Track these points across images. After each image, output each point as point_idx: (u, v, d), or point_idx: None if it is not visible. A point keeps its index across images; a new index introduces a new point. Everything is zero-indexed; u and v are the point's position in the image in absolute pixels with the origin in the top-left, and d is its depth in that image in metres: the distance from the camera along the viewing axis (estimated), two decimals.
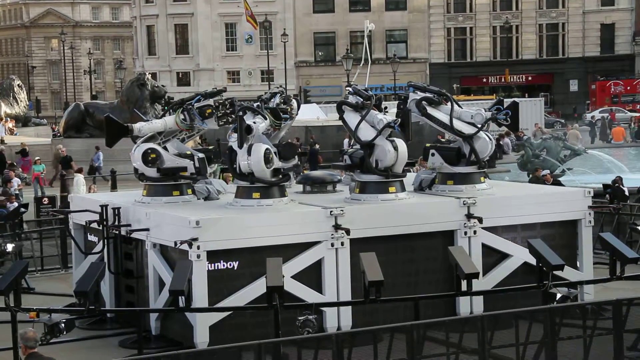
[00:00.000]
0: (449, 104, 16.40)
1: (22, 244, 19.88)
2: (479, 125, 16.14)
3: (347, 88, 16.62)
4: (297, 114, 16.63)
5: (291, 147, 15.45)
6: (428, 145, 16.65)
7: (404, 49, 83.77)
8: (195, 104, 16.11)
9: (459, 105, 16.74)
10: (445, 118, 16.29)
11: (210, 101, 16.16)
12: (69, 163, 34.83)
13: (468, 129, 16.19)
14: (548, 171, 28.09)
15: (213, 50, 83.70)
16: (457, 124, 16.21)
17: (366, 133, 15.47)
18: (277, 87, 17.00)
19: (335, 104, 17.19)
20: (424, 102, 16.39)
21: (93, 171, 37.82)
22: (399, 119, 15.48)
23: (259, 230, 14.15)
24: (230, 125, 16.02)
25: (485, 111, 16.36)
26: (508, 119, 16.25)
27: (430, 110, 16.41)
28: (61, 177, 32.13)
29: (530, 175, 28.20)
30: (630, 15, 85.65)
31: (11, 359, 12.17)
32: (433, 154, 16.33)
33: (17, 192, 29.59)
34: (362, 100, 15.77)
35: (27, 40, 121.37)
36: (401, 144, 15.48)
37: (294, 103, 16.47)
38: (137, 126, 16.11)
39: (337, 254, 14.49)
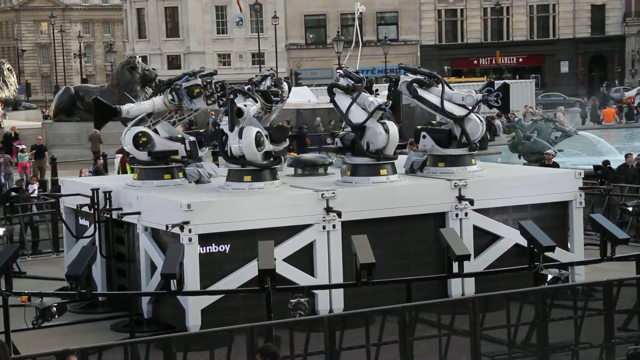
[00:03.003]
0: (440, 86, 16.40)
1: (12, 228, 19.85)
2: (470, 107, 16.14)
3: (338, 71, 16.60)
4: (288, 97, 16.60)
5: (282, 130, 15.43)
6: (419, 127, 16.65)
7: (395, 31, 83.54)
8: (183, 84, 16.05)
9: (450, 87, 16.75)
10: (436, 100, 16.29)
11: (199, 80, 16.09)
12: (43, 152, 34.56)
13: (459, 111, 16.19)
14: (552, 151, 28.08)
15: (204, 33, 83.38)
16: (448, 106, 16.21)
17: (357, 115, 15.45)
18: (268, 70, 16.94)
19: (326, 87, 17.15)
20: (414, 84, 16.38)
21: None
22: (390, 102, 15.46)
23: (250, 214, 14.15)
24: (219, 107, 16.01)
25: (476, 93, 16.35)
26: (499, 100, 16.26)
27: (421, 92, 16.40)
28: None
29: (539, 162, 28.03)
30: None
31: None
32: (424, 136, 16.35)
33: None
34: (352, 82, 15.74)
35: (16, 23, 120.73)
36: (392, 126, 15.47)
37: (285, 86, 16.43)
38: (126, 108, 16.07)
39: (329, 236, 14.51)
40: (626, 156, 26.08)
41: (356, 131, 15.36)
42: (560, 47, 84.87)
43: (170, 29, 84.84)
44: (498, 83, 16.96)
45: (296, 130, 40.42)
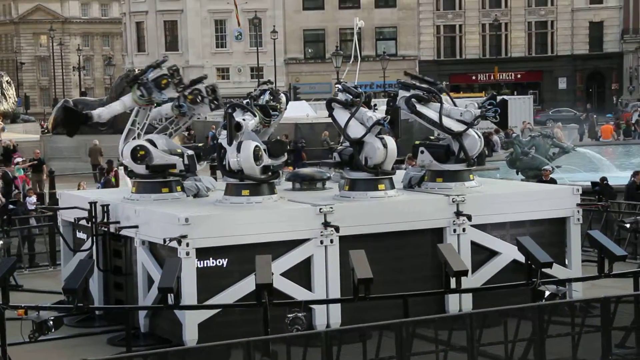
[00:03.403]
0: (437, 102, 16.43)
1: (10, 241, 19.81)
2: (469, 123, 16.16)
3: (336, 85, 16.62)
4: (285, 109, 16.60)
5: (280, 144, 15.44)
6: (417, 142, 16.66)
7: (394, 46, 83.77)
8: (149, 77, 15.98)
9: (453, 100, 16.73)
10: (434, 115, 16.31)
11: (165, 70, 16.03)
12: (41, 166, 34.53)
13: (457, 127, 16.20)
14: (549, 167, 28.08)
15: (202, 47, 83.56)
16: (446, 122, 16.23)
17: (356, 130, 15.46)
18: (267, 84, 16.93)
19: (324, 101, 17.18)
20: (413, 99, 16.39)
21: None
22: (389, 117, 15.48)
23: (248, 228, 14.14)
24: (211, 110, 16.00)
25: (478, 106, 16.35)
26: (497, 116, 16.29)
27: (419, 107, 16.43)
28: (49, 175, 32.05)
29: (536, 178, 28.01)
30: (619, 13, 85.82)
31: None
32: (422, 152, 16.35)
33: None
34: (351, 97, 15.75)
35: (15, 36, 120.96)
36: (390, 141, 15.47)
37: (283, 97, 16.43)
38: (97, 112, 16.07)
39: (327, 251, 14.49)
40: (636, 174, 25.31)
41: (354, 146, 15.37)
42: (558, 64, 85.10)
43: (170, 42, 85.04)
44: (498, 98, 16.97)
45: (293, 144, 40.48)
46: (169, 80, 15.89)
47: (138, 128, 16.08)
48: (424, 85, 16.84)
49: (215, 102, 16.09)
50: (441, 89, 16.81)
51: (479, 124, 16.68)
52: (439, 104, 16.36)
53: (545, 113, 69.17)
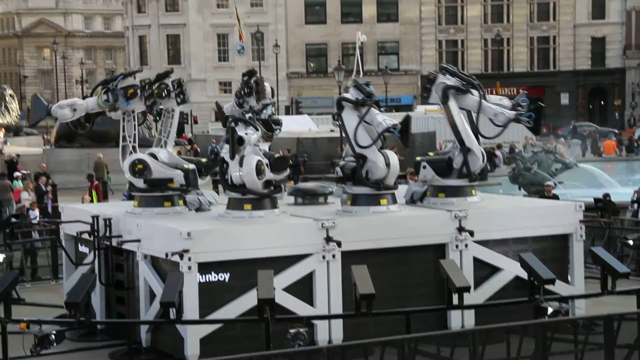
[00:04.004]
0: (476, 93, 15.82)
1: (12, 255, 19.82)
2: (501, 125, 15.67)
3: (352, 78, 16.30)
4: (273, 98, 16.47)
5: (283, 160, 15.42)
6: (419, 158, 16.62)
7: (396, 60, 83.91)
8: (118, 84, 15.97)
9: (486, 97, 16.04)
10: (458, 121, 15.81)
11: (136, 81, 16.05)
12: (47, 179, 34.54)
13: (488, 132, 16.00)
14: (552, 182, 28.03)
15: (205, 61, 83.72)
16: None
17: (365, 139, 15.31)
18: (252, 74, 16.81)
19: (327, 116, 17.17)
20: (452, 90, 15.79)
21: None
22: (400, 126, 15.28)
23: (250, 242, 14.13)
24: (177, 104, 15.97)
25: (511, 103, 15.80)
26: (531, 121, 15.81)
27: (451, 102, 15.79)
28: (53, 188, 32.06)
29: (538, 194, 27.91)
30: (621, 29, 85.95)
31: None
32: (424, 167, 16.31)
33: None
34: (362, 96, 15.41)
35: (19, 49, 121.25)
36: (393, 157, 15.46)
37: (267, 86, 16.26)
38: (56, 105, 16.14)
39: (329, 266, 14.47)
40: None
41: (358, 160, 15.29)
42: (560, 79, 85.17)
43: (172, 56, 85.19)
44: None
45: (294, 159, 40.52)
46: (137, 91, 15.88)
47: (130, 142, 16.14)
48: (464, 76, 16.23)
49: (181, 95, 16.05)
50: (479, 85, 16.15)
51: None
52: (477, 98, 15.76)
53: (567, 127, 69.20)
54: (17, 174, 35.83)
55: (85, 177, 33.85)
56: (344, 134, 16.09)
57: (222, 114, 16.59)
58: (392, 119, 15.50)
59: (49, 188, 32.37)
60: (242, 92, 16.06)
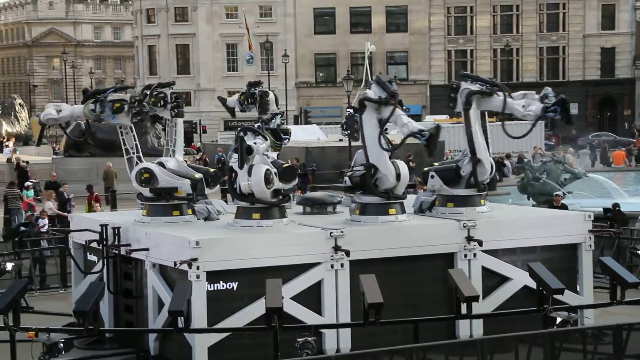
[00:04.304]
0: (501, 95, 15.58)
1: (21, 263, 19.84)
2: (531, 121, 15.40)
3: (376, 74, 16.05)
4: (279, 109, 16.51)
5: (291, 170, 15.41)
6: (426, 169, 16.62)
7: (405, 70, 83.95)
8: (108, 97, 16.07)
9: (511, 96, 15.77)
10: (475, 130, 15.71)
11: (126, 96, 16.13)
12: (57, 189, 34.60)
13: (517, 132, 15.97)
14: (561, 192, 27.99)
15: (214, 71, 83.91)
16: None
17: (386, 142, 15.01)
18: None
19: (335, 125, 17.17)
20: (477, 95, 15.55)
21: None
22: (429, 133, 14.89)
23: (258, 251, 14.13)
24: (171, 116, 16.06)
25: (540, 97, 15.45)
26: (558, 114, 15.36)
27: (473, 107, 15.60)
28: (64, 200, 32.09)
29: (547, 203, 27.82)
30: (631, 40, 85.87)
31: None
32: (432, 176, 16.30)
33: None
34: (386, 95, 15.01)
35: (29, 59, 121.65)
36: (403, 167, 15.45)
37: (272, 96, 16.33)
38: (53, 114, 16.38)
39: (337, 275, 14.46)
40: None
41: (368, 169, 15.25)
42: (570, 89, 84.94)
43: (181, 65, 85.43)
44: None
45: (302, 168, 40.56)
46: (123, 106, 16.00)
47: (134, 153, 16.22)
48: (486, 79, 16.03)
49: (176, 109, 16.12)
50: (503, 86, 15.94)
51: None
52: (502, 98, 15.51)
53: (585, 137, 69.15)
54: (27, 183, 35.90)
55: (93, 186, 33.89)
56: (359, 138, 15.93)
57: (227, 107, 16.72)
58: (417, 124, 15.30)
59: (72, 196, 32.49)
60: (247, 102, 16.16)
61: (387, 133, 15.99)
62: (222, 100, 17.20)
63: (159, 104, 16.06)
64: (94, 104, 16.10)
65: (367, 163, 15.28)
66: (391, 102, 14.95)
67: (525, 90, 16.15)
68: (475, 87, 15.80)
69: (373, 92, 15.24)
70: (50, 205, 29.58)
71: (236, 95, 16.57)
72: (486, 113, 16.19)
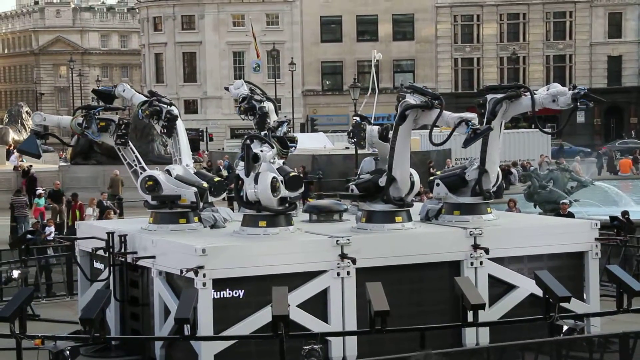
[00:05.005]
0: (528, 94, 15.41)
1: (27, 271, 19.88)
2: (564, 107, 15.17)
3: (408, 83, 15.96)
4: (279, 116, 16.59)
5: (297, 179, 15.42)
6: (431, 178, 16.64)
7: (411, 78, 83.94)
8: (96, 114, 16.19)
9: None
10: (488, 138, 15.63)
11: (114, 117, 16.24)
12: (61, 197, 34.63)
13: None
14: (567, 200, 27.96)
15: (221, 79, 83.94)
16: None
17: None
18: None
19: (342, 133, 17.17)
20: (504, 102, 15.45)
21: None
22: (476, 124, 14.79)
23: (265, 259, 14.13)
24: (162, 134, 16.22)
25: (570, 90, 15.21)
26: (589, 103, 15.16)
27: (497, 119, 15.51)
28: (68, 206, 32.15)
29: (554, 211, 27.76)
30: (637, 48, 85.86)
31: None
32: (438, 184, 16.31)
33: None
34: (429, 98, 15.04)
35: (36, 67, 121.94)
36: (415, 175, 15.52)
37: (270, 106, 16.48)
38: (37, 120, 16.59)
39: (343, 283, 14.46)
40: None
41: (389, 180, 15.19)
42: None
43: (188, 73, 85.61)
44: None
45: (313, 177, 40.59)
46: (109, 126, 16.13)
47: (136, 165, 16.28)
48: (510, 84, 15.87)
49: (165, 129, 16.22)
50: (526, 86, 15.79)
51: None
52: (530, 97, 15.31)
53: (612, 144, 69.04)
54: (39, 191, 35.92)
55: (100, 193, 33.93)
56: (365, 146, 16.01)
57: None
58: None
59: (114, 203, 32.60)
60: (247, 114, 16.33)
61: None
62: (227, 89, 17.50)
63: (152, 117, 16.18)
64: (82, 118, 16.20)
65: (389, 172, 15.21)
66: (437, 105, 15.03)
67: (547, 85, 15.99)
68: (501, 94, 15.63)
69: (413, 100, 15.26)
70: (90, 212, 29.68)
71: (242, 82, 16.64)
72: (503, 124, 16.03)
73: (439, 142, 15.59)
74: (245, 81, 17.23)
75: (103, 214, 29.60)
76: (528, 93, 15.48)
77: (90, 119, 16.12)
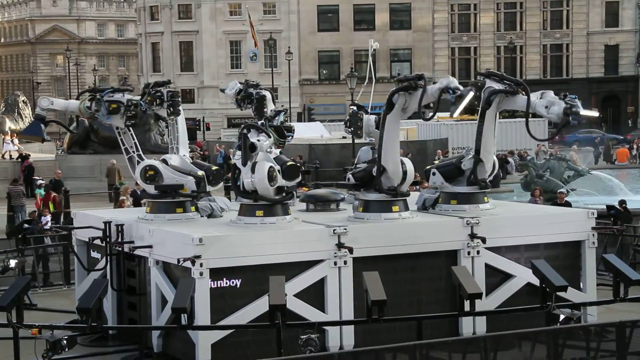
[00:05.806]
0: (524, 94, 15.32)
1: (24, 260, 19.87)
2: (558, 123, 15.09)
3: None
4: (274, 105, 16.60)
5: (294, 168, 15.41)
6: (428, 167, 16.63)
7: (408, 68, 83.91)
8: (105, 96, 16.12)
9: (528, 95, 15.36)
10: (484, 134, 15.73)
11: (123, 99, 16.17)
12: (61, 187, 34.58)
13: (540, 134, 15.78)
14: (564, 190, 27.97)
15: (217, 68, 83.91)
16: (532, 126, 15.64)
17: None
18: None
19: (339, 123, 17.17)
20: (500, 94, 15.42)
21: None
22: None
23: (262, 248, 14.14)
24: (167, 115, 16.15)
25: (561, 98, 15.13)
26: (580, 120, 15.23)
27: (491, 109, 15.53)
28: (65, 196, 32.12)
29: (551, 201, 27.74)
30: (634, 37, 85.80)
31: None
32: (434, 174, 16.30)
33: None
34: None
35: (32, 56, 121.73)
36: (409, 164, 15.49)
37: (268, 95, 16.47)
38: (44, 104, 16.34)
39: (340, 272, 14.47)
40: None
41: (379, 169, 15.21)
42: (573, 87, 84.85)
43: (185, 63, 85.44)
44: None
45: (311, 166, 40.52)
46: (120, 107, 16.05)
47: (134, 152, 16.24)
48: (511, 78, 15.80)
49: (172, 108, 16.18)
50: (526, 86, 15.67)
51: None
52: (526, 98, 15.20)
53: (636, 132, 68.87)
54: (39, 182, 35.86)
55: (135, 183, 33.92)
56: (362, 136, 16.02)
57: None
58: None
59: (110, 192, 32.47)
60: (244, 102, 16.26)
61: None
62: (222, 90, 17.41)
63: (155, 103, 16.12)
64: (90, 102, 16.12)
65: (378, 162, 15.25)
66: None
67: (542, 90, 15.99)
68: (500, 86, 15.60)
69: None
70: (127, 202, 29.64)
71: (235, 83, 16.62)
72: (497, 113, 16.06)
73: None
74: (239, 83, 17.16)
75: (138, 203, 29.55)
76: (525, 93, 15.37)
77: (99, 101, 16.07)
